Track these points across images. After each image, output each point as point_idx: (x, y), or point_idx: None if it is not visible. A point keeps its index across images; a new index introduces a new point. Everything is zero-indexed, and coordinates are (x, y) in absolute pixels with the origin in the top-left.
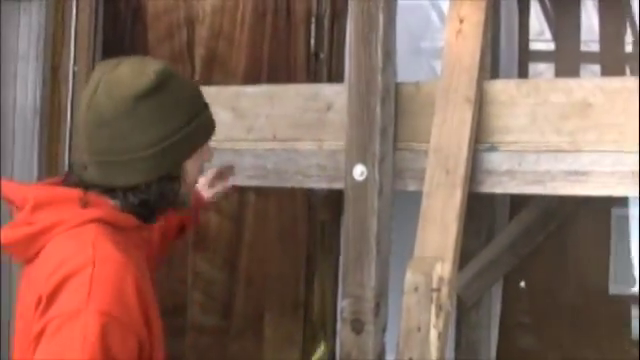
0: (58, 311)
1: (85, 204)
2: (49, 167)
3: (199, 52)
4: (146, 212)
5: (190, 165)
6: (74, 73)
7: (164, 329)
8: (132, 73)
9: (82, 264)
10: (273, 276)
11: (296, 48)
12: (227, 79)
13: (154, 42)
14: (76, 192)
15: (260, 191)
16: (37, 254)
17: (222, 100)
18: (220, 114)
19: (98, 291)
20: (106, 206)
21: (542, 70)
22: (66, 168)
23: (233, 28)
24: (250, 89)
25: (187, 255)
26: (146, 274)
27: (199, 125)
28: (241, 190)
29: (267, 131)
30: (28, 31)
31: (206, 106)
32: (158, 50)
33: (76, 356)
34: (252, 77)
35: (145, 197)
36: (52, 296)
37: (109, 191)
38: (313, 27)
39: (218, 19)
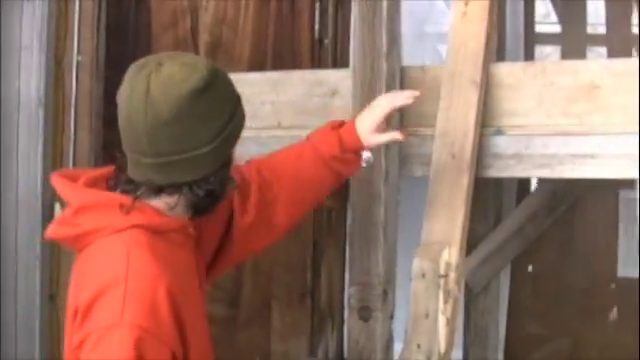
0: (94, 325)
1: (127, 211)
2: (54, 159)
3: (203, 39)
4: (210, 202)
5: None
6: (78, 63)
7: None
8: (183, 71)
9: (115, 279)
10: (280, 264)
11: (300, 34)
12: (232, 66)
13: (158, 29)
14: (118, 198)
15: None
16: (84, 248)
17: None
18: None
19: (131, 306)
20: (148, 212)
21: (548, 53)
22: (71, 160)
23: (237, 14)
24: (253, 76)
25: None
26: (188, 276)
27: (241, 112)
28: None
29: (272, 118)
30: (31, 21)
31: (239, 94)
32: (162, 37)
33: None
34: (257, 64)
35: (211, 187)
36: (87, 310)
37: (171, 187)
38: (317, 12)
39: (222, 5)
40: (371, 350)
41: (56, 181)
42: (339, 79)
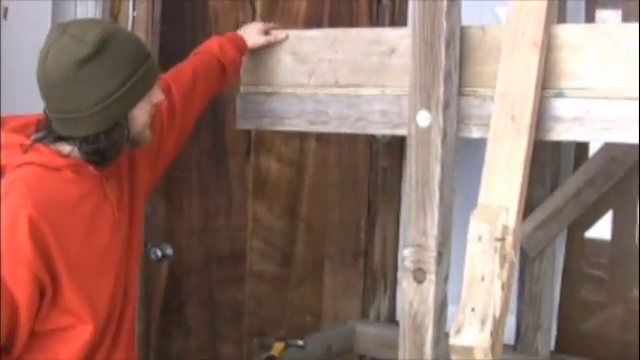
0: None
1: (25, 150)
2: None
3: None
4: (99, 158)
5: (137, 112)
6: (133, 19)
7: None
8: (73, 41)
9: None
10: (333, 224)
11: None
12: (288, 24)
13: None
14: (18, 139)
15: (321, 137)
16: None
17: (283, 45)
18: (281, 59)
19: None
20: (44, 152)
21: (607, 16)
22: None
23: None
24: (311, 33)
25: (247, 202)
26: (81, 210)
27: (139, 78)
28: (302, 136)
29: (329, 76)
30: None
31: (147, 57)
32: None
33: None
34: (313, 22)
35: (96, 147)
36: None
37: (69, 139)
38: None
39: None
40: (425, 312)
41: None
42: (398, 37)
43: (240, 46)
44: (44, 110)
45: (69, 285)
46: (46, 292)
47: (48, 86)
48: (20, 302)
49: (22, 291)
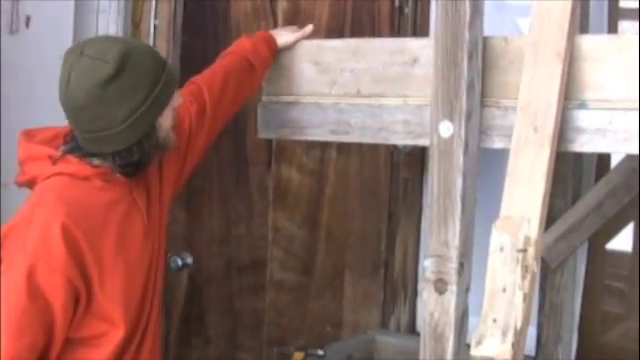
0: (6, 252)
1: (54, 162)
2: None
3: (282, 6)
4: (132, 169)
5: (162, 119)
6: (155, 27)
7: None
8: (94, 62)
9: (25, 216)
10: (354, 234)
11: (380, 2)
12: (310, 34)
13: None
14: (47, 151)
15: (342, 147)
16: None
17: (305, 54)
18: (303, 69)
19: (31, 238)
20: (72, 162)
21: (627, 28)
22: None
23: None
24: (333, 43)
25: (267, 211)
26: (110, 216)
27: (162, 87)
28: (323, 146)
29: (351, 86)
30: None
31: (165, 65)
32: (240, 4)
33: (11, 293)
34: (335, 31)
35: (129, 159)
36: (5, 236)
37: (99, 155)
38: None
39: None
40: (446, 323)
41: (18, 137)
42: (420, 47)
43: (271, 44)
44: (70, 127)
45: (102, 291)
46: (80, 298)
47: (75, 109)
48: (56, 308)
49: (58, 297)
